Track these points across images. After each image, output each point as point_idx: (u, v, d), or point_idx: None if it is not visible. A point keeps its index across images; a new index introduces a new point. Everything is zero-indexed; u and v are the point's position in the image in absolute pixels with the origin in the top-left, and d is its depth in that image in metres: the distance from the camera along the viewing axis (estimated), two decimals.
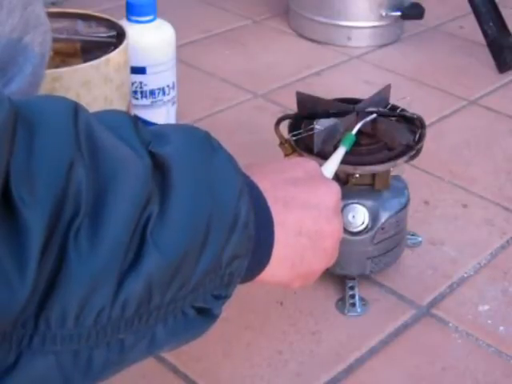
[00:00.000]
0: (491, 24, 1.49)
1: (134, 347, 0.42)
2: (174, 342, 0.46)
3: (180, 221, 0.43)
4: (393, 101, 0.92)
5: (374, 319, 0.89)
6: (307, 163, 0.60)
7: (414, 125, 0.88)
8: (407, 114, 0.89)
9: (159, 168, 0.43)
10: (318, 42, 1.60)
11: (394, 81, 1.14)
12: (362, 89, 1.36)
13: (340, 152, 0.77)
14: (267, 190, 0.52)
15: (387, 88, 0.92)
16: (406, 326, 0.88)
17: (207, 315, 0.47)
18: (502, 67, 1.48)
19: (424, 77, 1.47)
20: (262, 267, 0.52)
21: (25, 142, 0.37)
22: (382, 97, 0.91)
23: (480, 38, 1.51)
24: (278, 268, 0.53)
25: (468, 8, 1.52)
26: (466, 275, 0.96)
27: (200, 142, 0.47)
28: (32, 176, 0.37)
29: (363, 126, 0.84)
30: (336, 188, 0.59)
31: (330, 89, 1.36)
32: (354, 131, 0.81)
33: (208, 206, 0.44)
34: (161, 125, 0.49)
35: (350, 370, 0.82)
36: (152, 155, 0.43)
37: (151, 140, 0.44)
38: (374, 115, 0.86)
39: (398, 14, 1.58)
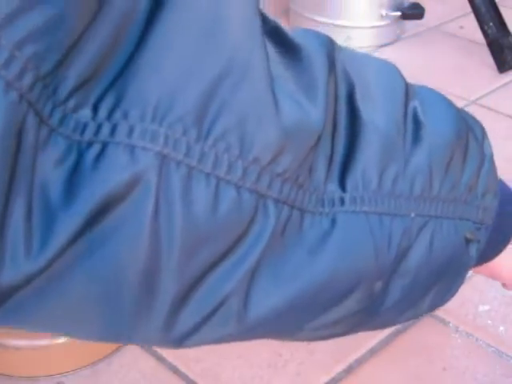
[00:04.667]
0: (491, 24, 1.49)
1: (417, 237, 0.41)
2: (441, 261, 0.44)
3: (444, 118, 0.43)
4: None
5: None
6: None
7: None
8: None
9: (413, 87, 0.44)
10: None
11: None
12: None
13: None
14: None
15: None
16: (405, 326, 0.88)
17: (467, 251, 0.46)
18: (501, 67, 1.48)
19: (424, 77, 1.47)
20: (505, 242, 0.50)
21: None
22: None
23: (480, 37, 1.51)
24: None
25: (468, 8, 1.52)
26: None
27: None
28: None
29: None
30: None
31: None
32: None
33: (463, 123, 0.44)
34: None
35: (349, 370, 0.82)
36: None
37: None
38: None
39: (398, 13, 1.58)
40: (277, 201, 0.34)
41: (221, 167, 0.32)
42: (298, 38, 0.38)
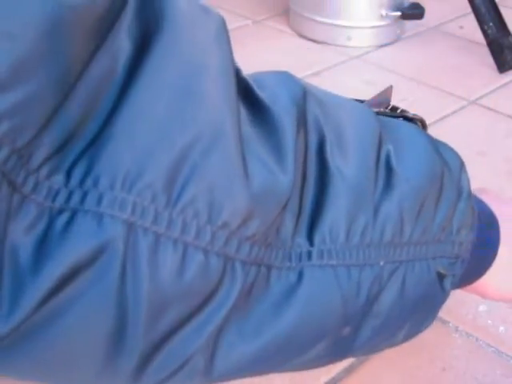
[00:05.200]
0: (491, 24, 1.49)
1: (388, 282, 0.42)
2: (414, 299, 0.44)
3: (418, 161, 0.43)
4: (393, 101, 0.92)
5: None
6: None
7: (416, 125, 0.88)
8: (408, 115, 0.89)
9: (385, 125, 0.44)
10: (318, 42, 1.60)
11: (394, 81, 1.14)
12: (361, 89, 1.36)
13: None
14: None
15: (389, 89, 0.92)
16: None
17: (440, 286, 0.46)
18: (501, 67, 1.48)
19: (424, 77, 1.47)
20: (486, 266, 0.50)
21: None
22: (383, 98, 0.91)
23: (480, 37, 1.51)
24: (504, 275, 0.50)
25: (468, 8, 1.52)
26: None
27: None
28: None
29: None
30: None
31: (329, 89, 1.36)
32: None
33: (438, 161, 0.45)
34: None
35: (350, 370, 0.82)
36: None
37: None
38: None
39: (398, 13, 1.58)
40: (244, 262, 0.35)
41: (189, 233, 0.32)
42: (268, 98, 0.38)
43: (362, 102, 0.89)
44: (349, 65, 1.53)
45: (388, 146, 0.42)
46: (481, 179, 1.16)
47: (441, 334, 0.87)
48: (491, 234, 0.49)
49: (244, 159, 0.34)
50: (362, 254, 0.40)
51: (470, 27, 1.59)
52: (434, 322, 0.90)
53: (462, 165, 0.47)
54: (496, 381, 0.82)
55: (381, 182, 0.41)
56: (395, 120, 0.46)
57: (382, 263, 0.41)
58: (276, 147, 0.36)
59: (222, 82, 0.34)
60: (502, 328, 0.88)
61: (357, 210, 0.39)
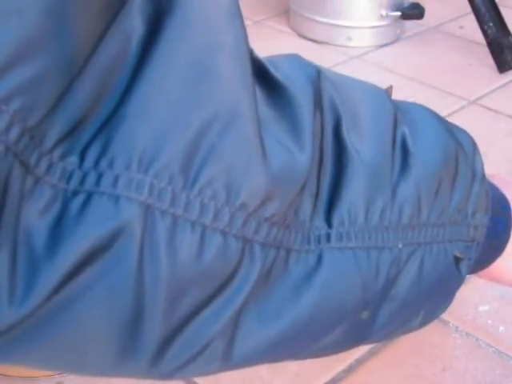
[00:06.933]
0: (491, 24, 1.49)
1: (406, 264, 0.41)
2: (431, 283, 0.44)
3: (433, 142, 0.43)
4: None
5: None
6: None
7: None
8: None
9: (402, 111, 0.44)
10: (318, 42, 1.60)
11: (394, 81, 1.14)
12: None
13: None
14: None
15: (389, 89, 0.92)
16: None
17: (457, 270, 0.46)
18: (501, 67, 1.48)
19: (424, 77, 1.47)
20: (499, 250, 0.50)
21: None
22: None
23: (480, 37, 1.51)
24: None
25: (468, 8, 1.52)
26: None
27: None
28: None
29: None
30: None
31: None
32: None
33: (453, 143, 0.44)
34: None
35: (349, 370, 0.82)
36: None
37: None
38: None
39: (398, 13, 1.58)
40: (263, 244, 0.34)
41: (207, 215, 0.32)
42: (283, 78, 0.38)
43: None
44: (349, 65, 1.53)
45: (403, 128, 0.41)
46: None
47: (441, 334, 0.87)
48: (504, 217, 0.49)
49: (261, 139, 0.33)
50: (381, 236, 0.39)
51: (470, 27, 1.59)
52: (434, 322, 0.91)
53: (474, 146, 0.47)
54: (496, 381, 0.82)
55: (397, 164, 0.40)
56: (406, 102, 0.46)
57: (400, 245, 0.40)
58: (293, 127, 0.36)
59: (237, 61, 0.33)
60: (501, 328, 0.88)
61: (375, 192, 0.39)
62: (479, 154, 0.47)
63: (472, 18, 1.52)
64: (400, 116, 0.42)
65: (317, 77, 0.39)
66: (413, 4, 1.60)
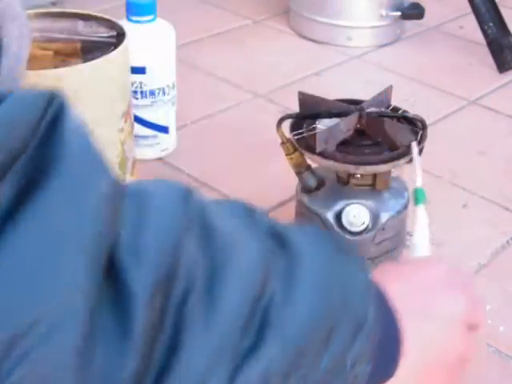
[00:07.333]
0: (491, 24, 1.49)
1: None
2: None
3: (306, 311, 0.40)
4: (393, 101, 0.92)
5: None
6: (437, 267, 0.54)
7: (416, 126, 0.88)
8: (409, 115, 0.89)
9: (285, 253, 0.41)
10: (318, 42, 1.60)
11: (394, 81, 1.14)
12: (361, 89, 1.36)
13: (422, 213, 0.72)
14: (398, 298, 0.48)
15: (389, 89, 0.92)
16: None
17: None
18: (501, 67, 1.48)
19: (424, 77, 1.47)
20: (386, 378, 0.48)
21: (133, 218, 0.36)
22: (383, 98, 0.91)
23: (480, 37, 1.51)
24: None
25: (468, 8, 1.52)
26: None
27: (328, 240, 0.45)
28: (139, 251, 0.35)
29: (367, 126, 0.84)
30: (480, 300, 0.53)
31: (329, 89, 1.36)
32: (419, 183, 0.75)
33: (337, 304, 0.42)
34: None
35: None
36: (275, 237, 0.42)
37: (272, 225, 0.43)
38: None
39: (398, 13, 1.58)
40: None
41: None
42: (128, 259, 0.35)
43: (361, 102, 0.89)
44: (349, 65, 1.53)
45: (273, 290, 0.39)
46: (481, 179, 1.16)
47: None
48: (393, 351, 0.47)
49: (87, 348, 0.32)
50: None
51: (470, 27, 1.59)
52: None
53: (368, 288, 0.44)
54: (496, 381, 0.82)
55: (248, 341, 0.38)
56: (300, 238, 0.43)
57: None
58: (122, 331, 0.34)
59: (84, 260, 0.33)
60: (501, 328, 0.88)
61: (208, 377, 0.36)
62: (374, 296, 0.45)
63: (472, 18, 1.52)
64: (274, 275, 0.39)
65: (184, 229, 0.37)
66: (413, 4, 1.60)
